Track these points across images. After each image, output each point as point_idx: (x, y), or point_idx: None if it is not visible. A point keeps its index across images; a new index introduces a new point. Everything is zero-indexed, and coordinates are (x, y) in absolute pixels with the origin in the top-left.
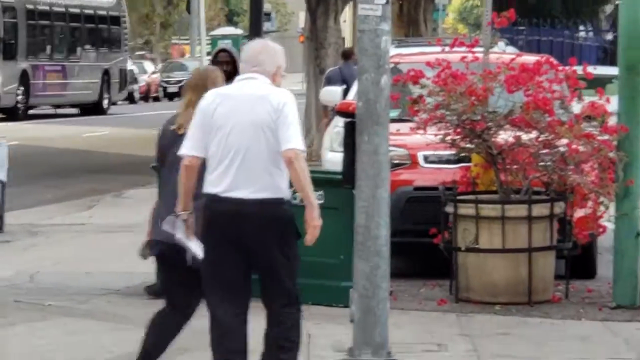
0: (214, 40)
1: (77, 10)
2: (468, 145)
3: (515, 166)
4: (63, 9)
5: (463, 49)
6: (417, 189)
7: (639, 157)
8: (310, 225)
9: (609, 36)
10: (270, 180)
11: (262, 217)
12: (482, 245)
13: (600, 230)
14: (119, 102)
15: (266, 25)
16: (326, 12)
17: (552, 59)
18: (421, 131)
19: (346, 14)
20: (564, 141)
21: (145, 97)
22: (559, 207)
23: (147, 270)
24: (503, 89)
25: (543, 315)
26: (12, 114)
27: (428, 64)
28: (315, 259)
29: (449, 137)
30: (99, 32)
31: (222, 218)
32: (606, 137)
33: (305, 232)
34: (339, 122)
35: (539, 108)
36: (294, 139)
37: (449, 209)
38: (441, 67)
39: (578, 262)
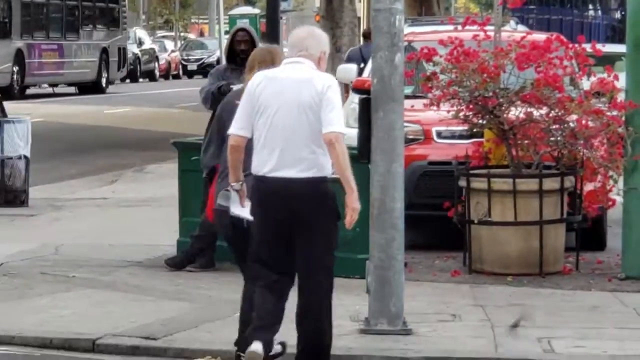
0: (232, 20)
1: None
2: (480, 121)
3: (526, 141)
4: None
5: (475, 27)
6: (431, 163)
7: None
8: (350, 207)
9: (617, 15)
10: (314, 160)
11: (308, 195)
12: (495, 218)
13: (610, 203)
14: (117, 82)
15: (282, 5)
16: None
17: (562, 37)
18: (434, 107)
19: None
20: (574, 117)
21: (166, 75)
22: (569, 181)
23: (168, 242)
24: (514, 67)
25: (554, 286)
26: (7, 93)
27: (441, 42)
28: None
29: (461, 113)
30: (97, 10)
31: (271, 197)
32: (615, 112)
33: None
34: (354, 99)
35: (549, 85)
36: (336, 122)
37: (462, 183)
38: (454, 45)
39: (588, 234)
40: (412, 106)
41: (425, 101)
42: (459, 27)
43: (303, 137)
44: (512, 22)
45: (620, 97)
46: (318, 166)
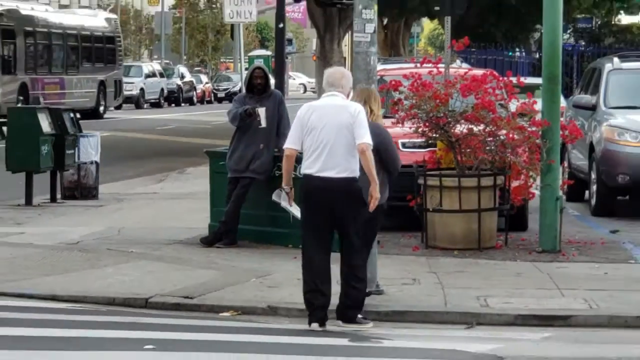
0: (250, 59)
1: (74, 32)
2: (434, 135)
3: (468, 150)
4: (61, 31)
5: (430, 65)
6: None
7: (557, 143)
8: (373, 197)
9: (537, 55)
10: (348, 164)
11: (343, 190)
12: (445, 207)
13: (530, 195)
14: (110, 108)
15: (288, 48)
16: (332, 39)
17: (495, 73)
18: (400, 125)
19: (346, 39)
20: (504, 131)
21: (202, 100)
22: (500, 179)
23: (202, 226)
24: (459, 94)
25: (489, 258)
26: None
27: (405, 76)
28: None
29: (420, 129)
30: (96, 49)
31: (316, 190)
32: (534, 128)
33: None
34: None
35: (485, 108)
36: (366, 136)
37: (421, 181)
38: (414, 78)
39: (514, 219)
40: (384, 124)
41: (393, 120)
42: (419, 65)
43: (340, 147)
44: (458, 61)
45: (538, 117)
46: (350, 169)
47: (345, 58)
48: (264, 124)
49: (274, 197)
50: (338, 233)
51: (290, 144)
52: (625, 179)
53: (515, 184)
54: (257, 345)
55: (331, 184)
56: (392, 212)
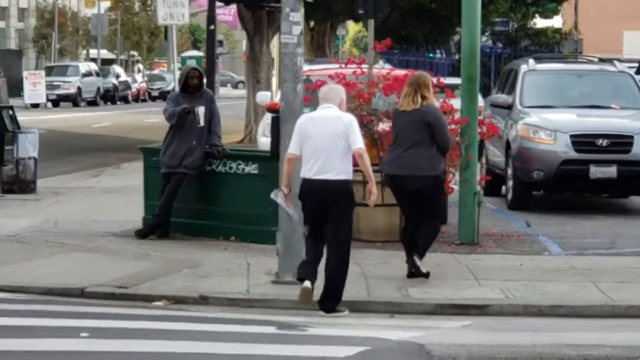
0: (183, 60)
1: None
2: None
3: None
4: None
5: (354, 65)
6: None
7: (475, 140)
8: (372, 193)
9: (456, 57)
10: (342, 168)
11: (339, 190)
12: (368, 202)
13: (450, 190)
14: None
15: (220, 49)
16: (260, 40)
17: None
18: None
19: (275, 41)
20: None
21: (136, 99)
22: None
23: (136, 219)
24: (382, 93)
25: None
26: None
27: (330, 76)
28: (253, 211)
29: None
30: None
31: (315, 191)
32: (453, 126)
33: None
34: (268, 117)
35: None
36: (360, 142)
37: None
38: (339, 78)
39: None
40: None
41: None
42: (343, 66)
43: (336, 153)
44: (381, 62)
45: (457, 115)
46: (345, 173)
47: (273, 59)
48: (202, 122)
49: (272, 195)
50: (329, 228)
51: (291, 150)
52: (540, 174)
53: None
54: (188, 333)
55: (328, 185)
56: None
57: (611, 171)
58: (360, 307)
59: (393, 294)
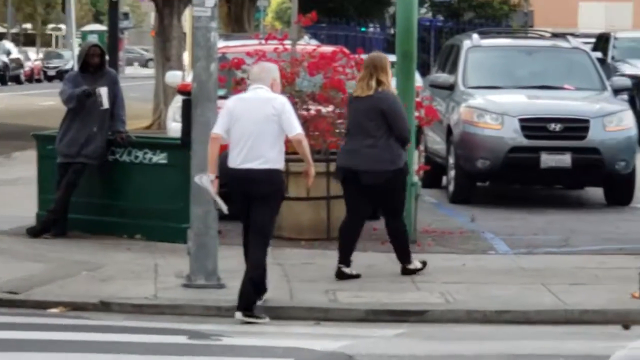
0: (84, 34)
1: None
2: None
3: (316, 132)
4: None
5: (276, 41)
6: None
7: (412, 125)
8: (310, 176)
9: (391, 31)
10: (270, 156)
11: (262, 181)
12: (291, 194)
13: None
14: None
15: (124, 23)
16: (171, 13)
17: (345, 50)
18: None
19: (187, 14)
20: None
21: (30, 79)
22: None
23: (29, 215)
24: (306, 73)
25: None
26: None
27: (248, 53)
28: (161, 205)
29: None
30: None
31: (239, 182)
32: None
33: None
34: (179, 99)
35: (335, 87)
36: (298, 127)
37: None
38: (258, 56)
39: None
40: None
41: None
42: (263, 42)
43: (264, 139)
44: (306, 37)
45: None
46: (272, 161)
47: (185, 34)
48: (105, 105)
49: (196, 179)
50: (252, 219)
51: (216, 129)
52: (485, 163)
53: None
54: (87, 344)
55: (253, 175)
56: (233, 199)
57: (565, 159)
58: (281, 314)
59: (319, 298)
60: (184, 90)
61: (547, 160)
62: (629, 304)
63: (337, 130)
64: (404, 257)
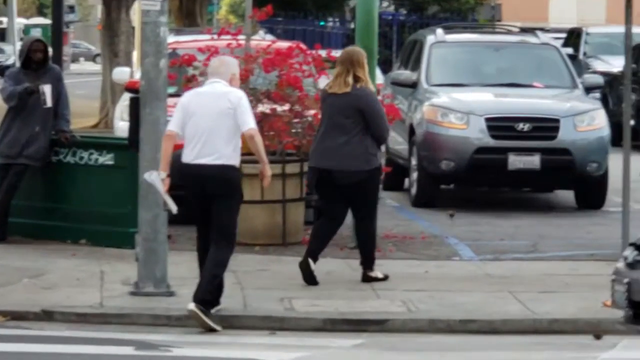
0: (27, 29)
1: None
2: None
3: (271, 132)
4: None
5: (229, 37)
6: None
7: None
8: (265, 176)
9: (352, 26)
10: (224, 152)
11: (218, 177)
12: (245, 197)
13: None
14: None
15: (70, 16)
16: (119, 6)
17: (302, 45)
18: None
19: (135, 7)
20: (312, 111)
21: None
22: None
23: None
24: (261, 70)
25: (295, 254)
26: None
27: (200, 49)
28: (107, 209)
29: None
30: None
31: (192, 179)
32: None
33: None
34: (127, 97)
35: (291, 85)
36: (251, 122)
37: None
38: (210, 52)
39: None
40: (175, 104)
41: None
42: (215, 37)
43: (219, 135)
44: (261, 32)
45: None
46: (227, 157)
47: (133, 28)
48: (49, 103)
49: (146, 176)
50: (212, 218)
51: (170, 126)
52: (450, 165)
53: None
54: (29, 355)
55: (205, 171)
56: (184, 202)
57: (533, 161)
58: (235, 323)
59: (274, 307)
60: (132, 88)
61: (515, 161)
62: (600, 312)
63: (294, 130)
64: (368, 262)
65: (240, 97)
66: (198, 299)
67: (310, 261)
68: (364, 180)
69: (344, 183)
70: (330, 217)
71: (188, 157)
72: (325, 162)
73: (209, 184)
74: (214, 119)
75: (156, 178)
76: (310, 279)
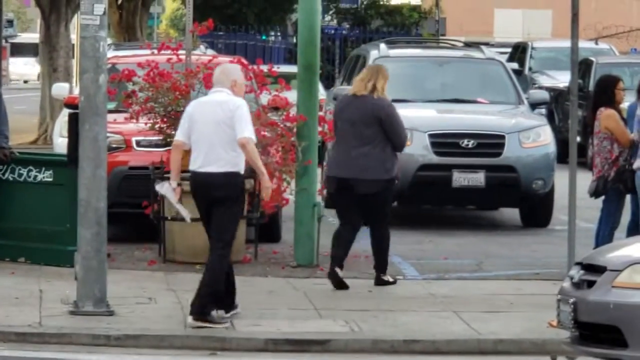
0: None
1: None
2: (173, 132)
3: None
4: None
5: (169, 52)
6: (131, 168)
7: (314, 142)
8: (264, 187)
9: (294, 40)
10: (229, 159)
11: (223, 185)
12: (185, 216)
13: (284, 202)
14: None
15: (9, 31)
16: (58, 20)
17: (243, 60)
18: (134, 120)
19: (75, 22)
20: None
21: None
22: (249, 184)
23: None
24: (202, 85)
25: (236, 273)
26: None
27: (139, 64)
28: (46, 227)
29: (157, 125)
30: None
31: (199, 186)
32: (288, 124)
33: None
34: (66, 113)
35: None
36: (246, 131)
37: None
38: (150, 67)
39: (266, 228)
40: (115, 120)
41: (126, 115)
42: (155, 52)
43: (220, 143)
44: (202, 47)
45: (293, 111)
46: (232, 164)
47: (73, 44)
48: None
49: (157, 187)
50: (212, 224)
51: (178, 136)
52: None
53: None
54: None
55: (212, 179)
56: (124, 220)
57: (478, 178)
58: (175, 343)
59: (215, 327)
60: (71, 104)
61: (459, 178)
62: (546, 333)
63: None
64: (382, 266)
65: (238, 105)
66: (194, 312)
67: (337, 270)
68: (383, 189)
69: (364, 192)
70: (347, 224)
71: (194, 165)
72: (345, 172)
73: (214, 191)
74: (213, 127)
75: (168, 188)
76: (341, 285)
